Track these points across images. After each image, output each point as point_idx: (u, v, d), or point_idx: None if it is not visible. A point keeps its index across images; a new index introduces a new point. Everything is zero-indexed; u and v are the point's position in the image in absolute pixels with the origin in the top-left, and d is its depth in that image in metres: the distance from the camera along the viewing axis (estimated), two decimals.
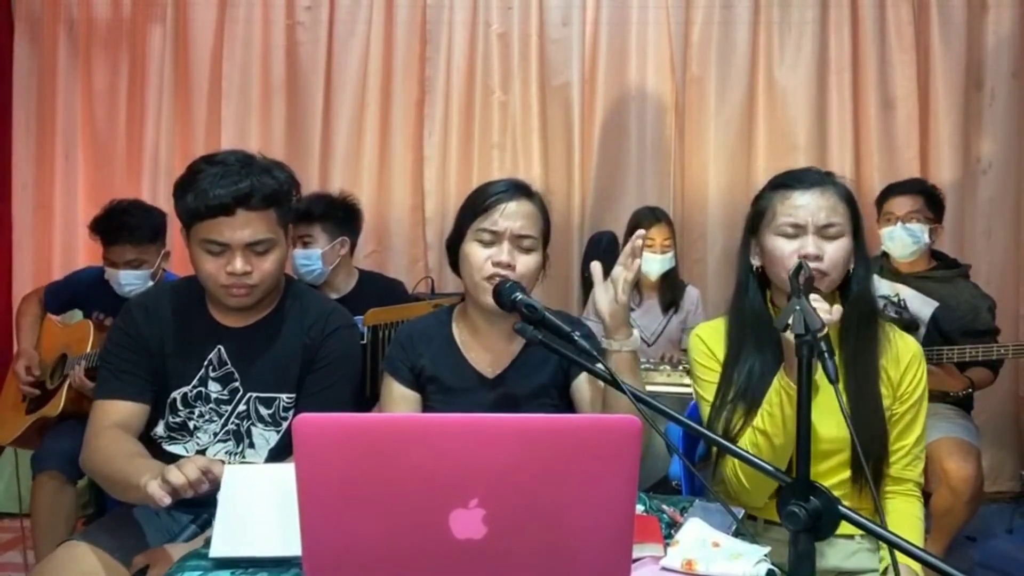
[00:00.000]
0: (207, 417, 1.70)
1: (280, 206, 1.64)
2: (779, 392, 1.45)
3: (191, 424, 1.70)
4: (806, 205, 1.51)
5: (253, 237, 1.58)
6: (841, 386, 1.53)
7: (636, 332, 1.55)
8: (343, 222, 2.89)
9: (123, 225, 2.64)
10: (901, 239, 2.80)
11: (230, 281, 1.60)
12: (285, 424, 1.72)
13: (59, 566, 1.52)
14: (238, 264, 1.58)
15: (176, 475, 1.34)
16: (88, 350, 2.59)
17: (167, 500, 1.33)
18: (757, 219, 1.59)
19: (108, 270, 2.70)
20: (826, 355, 1.14)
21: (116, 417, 1.63)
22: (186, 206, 1.59)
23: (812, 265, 1.46)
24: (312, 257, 2.78)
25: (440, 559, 1.00)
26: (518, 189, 1.61)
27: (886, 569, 1.50)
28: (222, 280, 1.60)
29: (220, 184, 1.55)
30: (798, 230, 1.51)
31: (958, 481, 2.46)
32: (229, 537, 1.24)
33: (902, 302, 2.77)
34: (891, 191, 2.94)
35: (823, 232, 1.51)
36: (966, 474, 2.46)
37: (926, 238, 2.80)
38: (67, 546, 1.55)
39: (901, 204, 2.84)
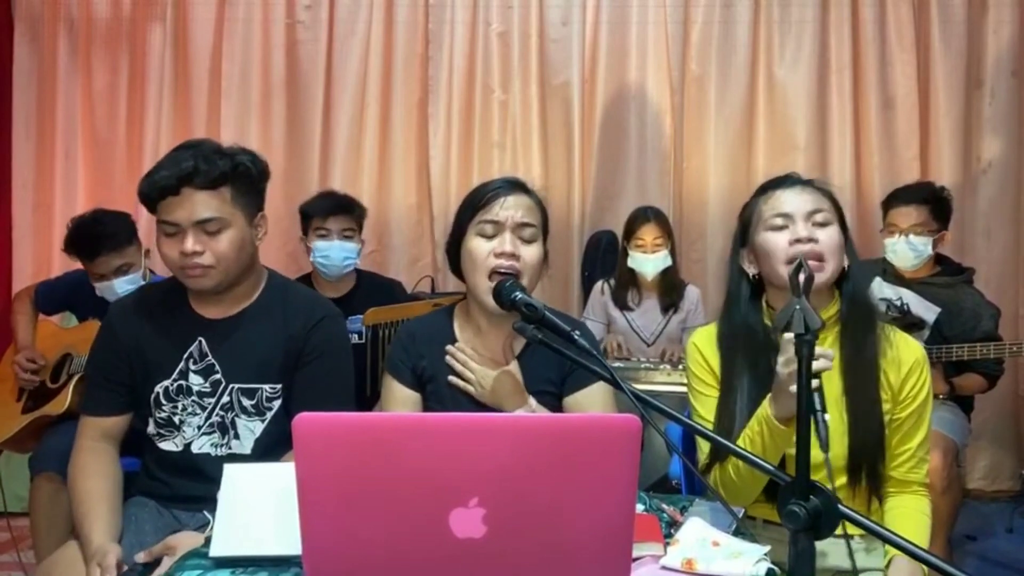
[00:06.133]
0: (190, 410, 1.71)
1: (234, 186, 1.64)
2: (760, 421, 1.44)
3: (176, 419, 1.71)
4: (791, 199, 1.54)
5: (200, 215, 1.60)
6: (840, 388, 1.54)
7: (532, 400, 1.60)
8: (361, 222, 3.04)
9: (100, 235, 2.56)
10: (904, 253, 2.77)
11: (183, 262, 1.62)
12: (269, 414, 1.72)
13: (60, 564, 1.53)
14: (188, 244, 1.60)
15: None
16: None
17: None
18: (745, 227, 1.60)
19: (99, 285, 2.60)
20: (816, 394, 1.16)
21: (98, 430, 1.71)
22: (140, 193, 1.63)
23: (807, 248, 1.47)
24: (355, 251, 2.94)
25: (440, 558, 1.00)
26: (515, 184, 1.64)
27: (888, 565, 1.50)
28: (178, 261, 1.63)
29: (166, 167, 1.61)
30: (787, 219, 1.53)
31: None
32: (229, 536, 1.24)
33: (905, 305, 2.76)
34: (896, 199, 2.85)
35: (812, 219, 1.52)
36: (932, 464, 2.42)
37: (929, 250, 2.76)
38: (68, 546, 1.56)
39: (905, 216, 2.77)
